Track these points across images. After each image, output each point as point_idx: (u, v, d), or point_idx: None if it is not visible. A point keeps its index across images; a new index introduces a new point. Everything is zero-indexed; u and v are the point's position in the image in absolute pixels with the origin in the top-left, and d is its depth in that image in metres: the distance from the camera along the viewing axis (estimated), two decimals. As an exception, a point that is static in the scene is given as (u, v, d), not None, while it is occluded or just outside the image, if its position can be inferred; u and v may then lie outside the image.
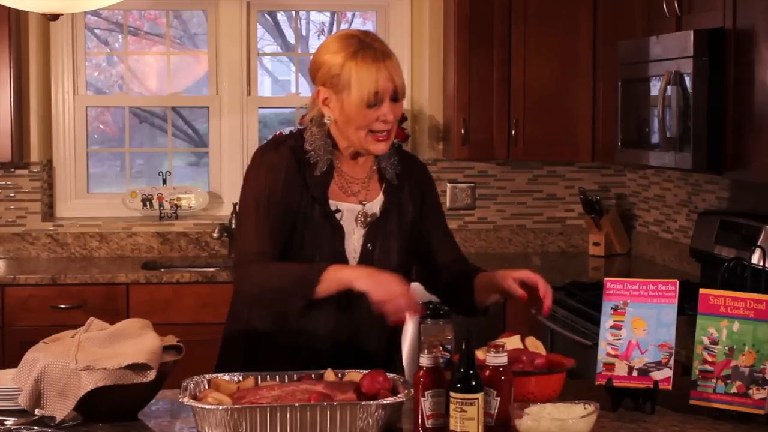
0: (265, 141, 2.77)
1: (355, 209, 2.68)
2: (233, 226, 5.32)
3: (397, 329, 2.81)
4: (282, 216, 2.61)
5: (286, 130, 2.80)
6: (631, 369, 2.44)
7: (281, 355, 2.65)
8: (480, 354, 2.31)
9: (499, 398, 2.19)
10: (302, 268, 2.55)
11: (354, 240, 2.67)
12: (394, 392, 2.31)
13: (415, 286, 2.71)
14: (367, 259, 2.66)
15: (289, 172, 2.63)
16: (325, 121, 2.65)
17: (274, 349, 2.67)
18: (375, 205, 2.70)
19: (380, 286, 2.46)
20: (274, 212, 2.60)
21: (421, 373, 2.22)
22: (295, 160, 2.64)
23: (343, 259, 2.64)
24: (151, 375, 2.35)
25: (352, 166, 2.69)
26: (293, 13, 5.77)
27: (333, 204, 2.65)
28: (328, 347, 2.65)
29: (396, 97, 2.59)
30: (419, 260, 2.81)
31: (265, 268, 2.57)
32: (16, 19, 5.12)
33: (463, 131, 5.15)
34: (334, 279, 2.50)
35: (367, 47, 2.57)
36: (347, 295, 2.53)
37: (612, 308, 2.48)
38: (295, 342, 2.65)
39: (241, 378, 2.42)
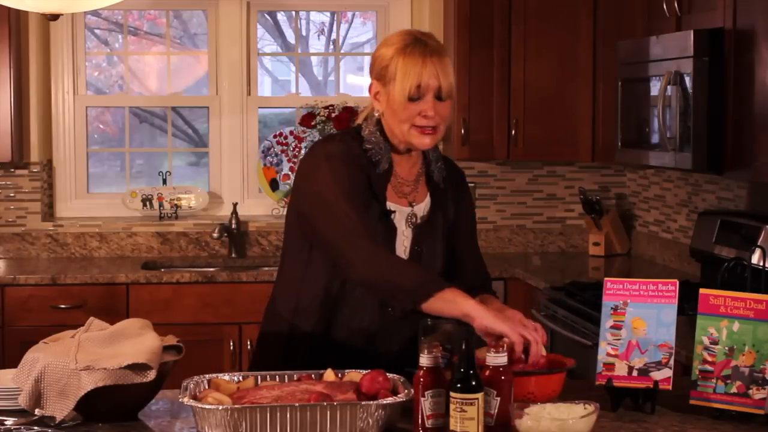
0: (319, 138, 2.75)
1: (405, 211, 2.69)
2: (234, 226, 5.32)
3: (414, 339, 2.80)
4: (365, 205, 2.58)
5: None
6: (631, 369, 2.44)
7: (319, 355, 2.63)
8: (480, 354, 2.31)
9: (499, 398, 2.19)
10: (425, 275, 2.51)
11: (404, 241, 2.68)
12: (394, 392, 2.31)
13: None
14: (415, 260, 2.67)
15: (361, 164, 2.61)
16: (375, 113, 2.65)
17: (312, 350, 2.66)
18: (422, 208, 2.72)
19: (514, 332, 2.36)
20: (357, 196, 2.56)
21: (421, 373, 2.22)
22: (363, 154, 2.63)
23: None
24: (151, 375, 2.35)
25: (405, 167, 2.70)
26: (293, 13, 5.77)
27: (388, 205, 2.66)
28: (365, 348, 2.65)
29: (440, 95, 2.60)
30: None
31: (387, 256, 2.53)
32: (16, 19, 5.12)
33: (463, 131, 5.15)
34: (452, 300, 2.44)
35: (418, 42, 2.59)
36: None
37: (612, 308, 2.48)
38: (335, 343, 2.65)
39: (241, 378, 2.42)
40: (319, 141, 2.73)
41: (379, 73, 2.62)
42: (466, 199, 2.84)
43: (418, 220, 2.70)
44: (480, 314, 2.40)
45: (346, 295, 2.65)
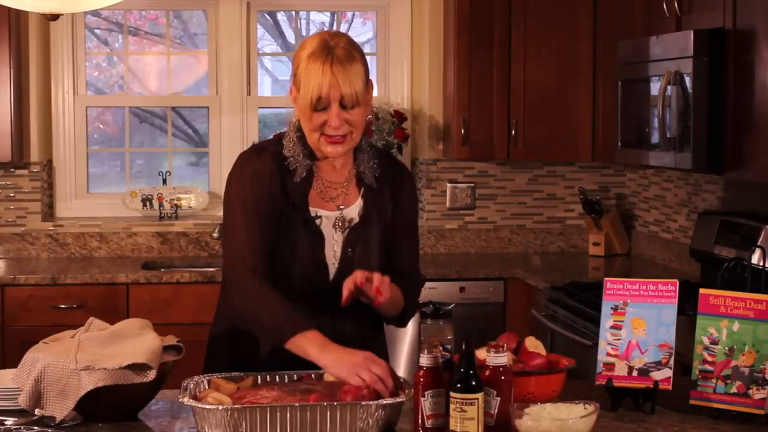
0: (246, 149, 2.75)
1: (332, 215, 2.66)
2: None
3: (379, 339, 2.78)
4: (268, 224, 2.60)
5: (270, 137, 2.79)
6: (631, 369, 2.44)
7: (267, 355, 2.62)
8: (480, 354, 2.31)
9: (499, 398, 2.19)
10: (282, 317, 2.49)
11: (334, 245, 2.66)
12: (394, 392, 2.31)
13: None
14: (347, 263, 2.64)
15: (272, 179, 2.61)
16: (293, 118, 2.65)
17: (257, 350, 2.65)
18: (353, 210, 2.68)
19: (348, 371, 2.35)
20: (261, 220, 2.59)
21: (421, 373, 2.22)
22: (276, 167, 2.63)
23: (323, 265, 2.63)
24: (151, 375, 2.35)
25: (330, 171, 2.67)
26: (293, 13, 5.77)
27: (312, 210, 2.64)
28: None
29: (344, 104, 2.54)
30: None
31: (259, 293, 2.53)
32: (16, 19, 5.12)
33: (463, 131, 5.15)
34: (300, 347, 2.43)
35: (324, 49, 2.54)
36: (326, 298, 2.55)
37: (612, 308, 2.48)
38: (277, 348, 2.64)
39: (241, 378, 2.42)
40: (240, 156, 2.70)
41: (294, 79, 2.61)
42: (404, 196, 2.77)
43: (348, 224, 2.66)
44: (323, 363, 2.39)
45: (287, 295, 2.61)
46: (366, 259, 2.66)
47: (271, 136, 2.79)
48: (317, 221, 2.64)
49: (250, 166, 2.64)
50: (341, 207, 2.67)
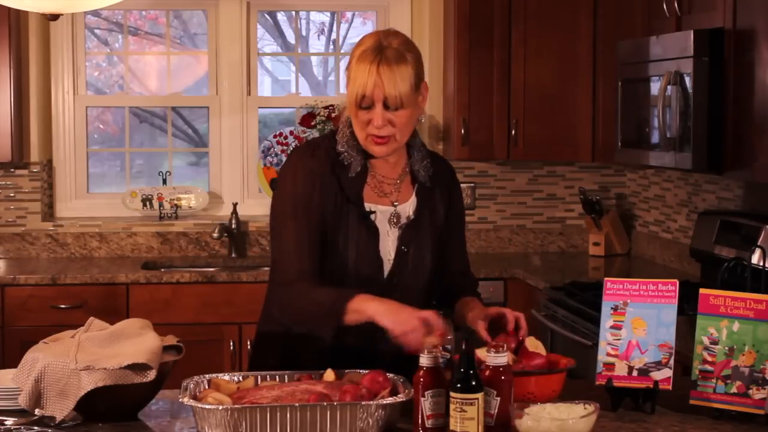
0: (298, 145, 2.76)
1: (387, 211, 2.68)
2: (234, 226, 5.32)
3: None
4: (319, 223, 2.60)
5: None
6: (631, 369, 2.44)
7: (317, 354, 2.63)
8: (480, 354, 2.31)
9: (499, 398, 2.19)
10: (332, 297, 2.53)
11: (389, 242, 2.67)
12: (394, 392, 2.31)
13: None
14: (402, 260, 2.66)
15: (325, 176, 2.62)
16: (345, 113, 2.66)
17: (309, 349, 2.66)
18: (408, 207, 2.70)
19: (399, 324, 2.43)
20: (312, 220, 2.59)
21: (421, 373, 2.22)
22: (330, 163, 2.63)
23: (378, 261, 2.64)
24: (151, 375, 2.35)
25: (384, 166, 2.69)
26: (293, 13, 5.77)
27: (367, 205, 2.65)
28: (355, 347, 2.64)
29: (387, 105, 2.56)
30: None
31: (303, 293, 2.57)
32: (16, 19, 5.12)
33: (463, 131, 5.15)
34: (358, 311, 2.49)
35: (375, 49, 2.56)
36: (381, 294, 2.55)
37: (612, 308, 2.48)
38: (331, 343, 2.63)
39: (241, 378, 2.42)
40: (296, 149, 2.72)
41: (346, 74, 2.64)
42: (456, 199, 2.82)
43: (403, 220, 2.68)
44: (376, 312, 2.46)
45: None
46: (420, 257, 2.68)
47: (328, 131, 2.79)
48: (372, 216, 2.65)
49: (303, 164, 2.64)
50: (395, 203, 2.69)
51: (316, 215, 2.60)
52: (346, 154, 2.64)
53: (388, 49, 2.56)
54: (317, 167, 2.62)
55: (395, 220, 2.68)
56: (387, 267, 2.66)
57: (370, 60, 2.55)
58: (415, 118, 2.67)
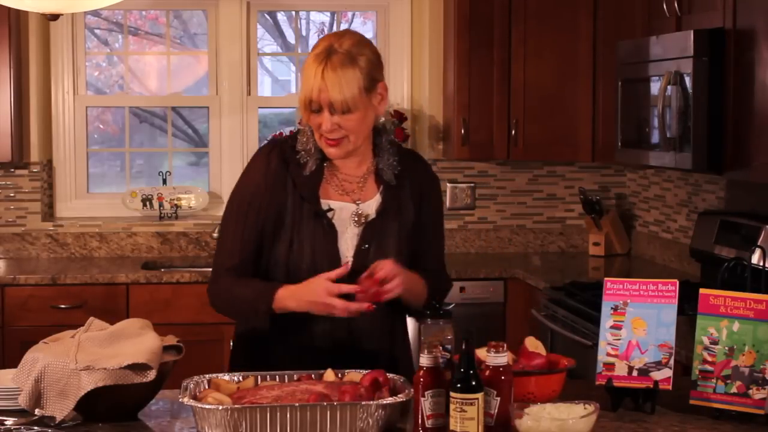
0: (265, 141, 2.79)
1: (349, 208, 2.68)
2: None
3: (398, 331, 2.79)
4: (264, 221, 2.65)
5: (286, 131, 2.82)
6: (631, 369, 2.44)
7: (285, 355, 2.65)
8: (480, 354, 2.31)
9: (499, 398, 2.19)
10: (255, 292, 2.62)
11: (348, 239, 2.67)
12: (394, 392, 2.31)
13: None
14: (362, 258, 2.65)
15: (275, 174, 2.65)
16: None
17: (277, 350, 2.68)
18: (371, 206, 2.70)
19: (314, 305, 2.56)
20: (252, 218, 2.66)
21: (421, 373, 2.22)
22: (283, 162, 2.66)
23: (335, 258, 2.64)
24: (151, 375, 2.35)
25: (348, 165, 2.69)
26: (293, 13, 5.77)
27: (325, 203, 2.66)
28: (328, 346, 2.65)
29: (333, 109, 2.56)
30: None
31: (229, 287, 2.66)
32: (16, 19, 5.12)
33: (463, 131, 5.15)
34: (283, 297, 2.60)
35: (323, 53, 2.56)
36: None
37: (612, 308, 2.48)
38: (297, 342, 2.66)
39: (241, 378, 2.42)
40: (258, 149, 2.78)
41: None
42: (430, 197, 2.79)
43: (366, 218, 2.68)
44: (285, 300, 2.59)
45: None
46: (382, 255, 2.66)
47: (288, 131, 2.82)
48: (329, 214, 2.65)
49: (255, 163, 2.71)
50: (358, 201, 2.69)
51: (260, 213, 2.65)
52: (303, 152, 2.66)
53: (336, 53, 2.56)
54: (268, 166, 2.66)
55: (356, 219, 2.68)
56: (346, 264, 2.65)
57: (317, 63, 2.55)
58: (370, 120, 2.64)
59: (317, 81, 2.54)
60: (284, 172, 2.65)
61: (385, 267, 2.56)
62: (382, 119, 2.73)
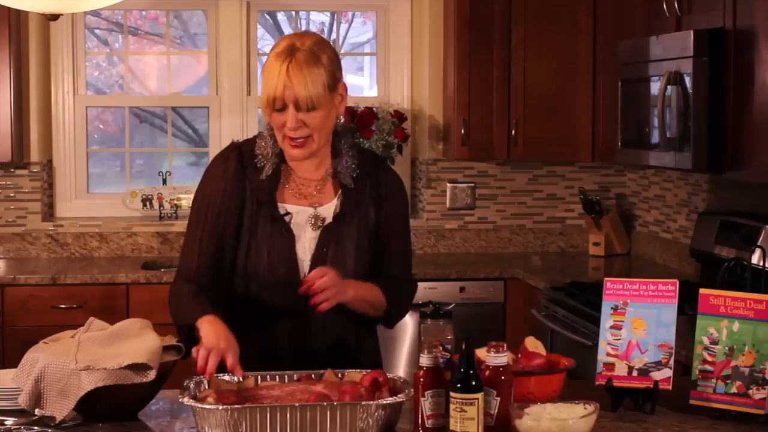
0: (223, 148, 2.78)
1: (306, 212, 2.67)
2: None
3: (346, 335, 2.73)
4: (222, 225, 2.66)
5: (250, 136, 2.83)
6: (631, 369, 2.44)
7: (248, 357, 2.60)
8: (480, 354, 2.31)
9: (499, 398, 2.19)
10: (185, 313, 2.64)
11: (306, 243, 2.66)
12: (394, 392, 2.31)
13: None
14: (320, 262, 2.63)
15: (232, 179, 2.66)
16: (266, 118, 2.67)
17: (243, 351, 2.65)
18: (329, 209, 2.68)
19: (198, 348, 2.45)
20: (210, 223, 2.66)
21: (421, 373, 2.22)
22: (240, 166, 2.66)
23: (293, 262, 2.64)
24: (151, 375, 2.35)
25: (305, 168, 2.68)
26: (293, 13, 5.77)
27: (282, 207, 2.65)
28: (286, 348, 2.65)
29: (298, 106, 2.54)
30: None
31: (179, 294, 2.72)
32: (16, 19, 5.12)
33: (463, 131, 5.15)
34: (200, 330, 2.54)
35: (286, 50, 2.56)
36: (304, 298, 2.55)
37: (612, 308, 2.48)
38: (261, 344, 2.65)
39: (241, 378, 2.42)
40: (216, 154, 2.78)
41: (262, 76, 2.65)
42: (388, 198, 2.75)
43: (322, 222, 2.66)
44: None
45: (250, 296, 2.67)
46: (340, 259, 2.65)
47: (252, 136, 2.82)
48: (286, 218, 2.64)
49: (212, 168, 2.73)
50: (316, 205, 2.68)
51: (220, 217, 2.66)
52: (261, 157, 2.66)
53: (299, 51, 2.55)
54: (226, 171, 2.67)
55: (313, 222, 2.67)
56: (305, 267, 2.64)
57: (281, 61, 2.54)
58: (333, 119, 2.64)
59: (282, 78, 2.53)
60: (242, 176, 2.65)
61: (313, 277, 2.54)
62: (342, 120, 2.71)
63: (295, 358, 2.58)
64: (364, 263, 2.69)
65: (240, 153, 2.69)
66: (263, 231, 2.64)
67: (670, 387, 2.42)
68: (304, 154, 2.61)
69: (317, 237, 2.65)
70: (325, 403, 2.19)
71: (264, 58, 6.05)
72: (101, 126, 5.95)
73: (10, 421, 2.37)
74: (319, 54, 2.56)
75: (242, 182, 2.65)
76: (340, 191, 2.69)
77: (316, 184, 2.68)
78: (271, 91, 2.54)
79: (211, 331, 2.47)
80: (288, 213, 2.65)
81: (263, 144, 2.67)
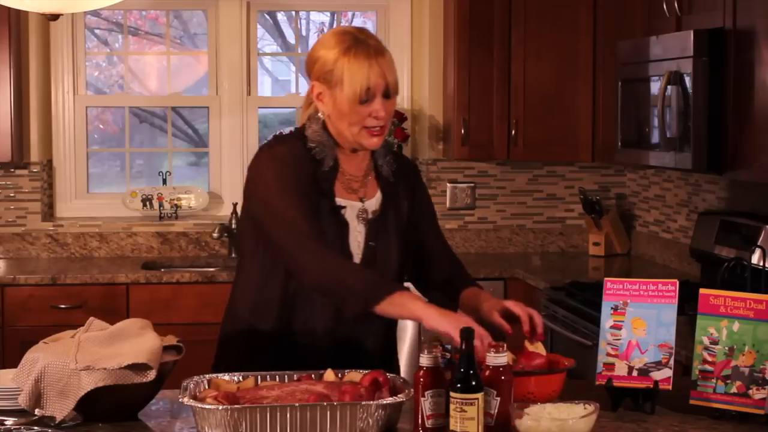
0: (266, 140, 2.77)
1: (356, 206, 2.69)
2: (234, 226, 5.32)
3: (393, 329, 2.81)
4: (311, 204, 2.59)
5: (286, 130, 2.80)
6: (631, 369, 2.44)
7: (281, 355, 2.65)
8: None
9: (499, 398, 2.19)
10: (375, 277, 2.53)
11: (357, 237, 2.68)
12: (394, 392, 2.31)
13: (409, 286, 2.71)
14: (369, 255, 2.67)
15: (303, 163, 2.63)
16: (319, 115, 2.66)
17: (274, 350, 2.68)
18: (374, 203, 2.71)
19: (454, 327, 2.34)
20: (304, 201, 2.57)
21: (421, 373, 2.22)
22: (306, 153, 2.65)
23: (348, 255, 2.65)
24: (151, 375, 2.35)
25: (351, 163, 2.70)
26: (293, 13, 5.77)
27: (337, 200, 2.67)
28: (327, 346, 2.66)
29: (388, 93, 2.59)
30: (412, 259, 2.82)
31: (337, 259, 2.55)
32: (16, 19, 5.12)
33: (463, 131, 5.15)
34: (401, 305, 2.45)
35: (360, 43, 2.58)
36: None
37: (612, 308, 2.48)
38: (296, 342, 2.66)
39: (241, 378, 2.42)
40: (264, 145, 2.72)
41: (323, 77, 2.61)
42: (422, 195, 2.84)
43: (370, 216, 2.70)
44: (427, 315, 2.41)
45: (304, 293, 2.65)
46: (387, 252, 2.70)
47: (288, 130, 2.79)
48: (342, 211, 2.66)
49: (280, 151, 2.64)
50: (363, 198, 2.70)
51: (306, 195, 2.59)
52: (317, 149, 2.65)
53: (370, 40, 2.60)
54: (293, 153, 2.63)
55: (363, 216, 2.69)
56: (356, 261, 2.66)
57: (364, 54, 2.57)
58: None
59: (374, 69, 2.56)
60: (309, 164, 2.64)
61: (523, 316, 2.60)
62: None
63: (335, 356, 2.59)
64: (403, 255, 2.74)
65: (298, 141, 2.66)
66: (324, 222, 2.62)
67: (670, 387, 2.42)
68: (380, 143, 2.65)
69: (364, 231, 2.68)
70: (325, 403, 2.19)
71: (264, 59, 6.08)
72: (101, 126, 5.95)
73: (10, 421, 2.37)
74: (381, 43, 2.64)
75: (310, 171, 2.63)
76: (381, 185, 2.73)
77: (361, 179, 2.71)
78: (365, 82, 2.55)
79: (436, 312, 2.40)
80: (343, 206, 2.66)
81: (316, 137, 2.65)
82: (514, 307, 2.63)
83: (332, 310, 2.64)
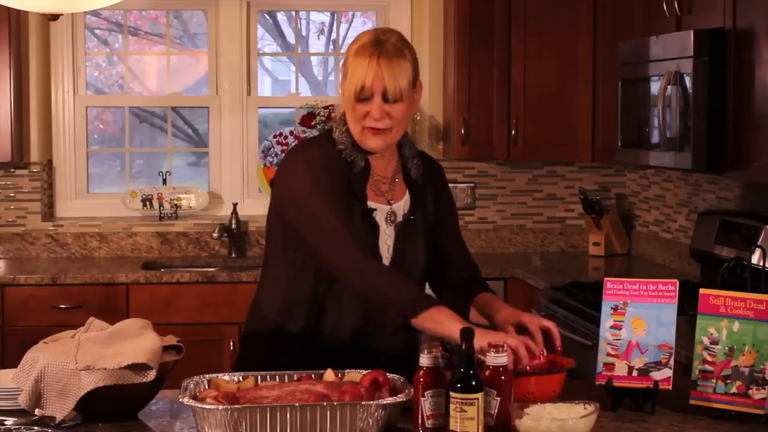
0: (296, 143, 2.76)
1: (384, 209, 2.69)
2: (233, 226, 5.32)
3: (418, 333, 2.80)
4: (347, 206, 2.59)
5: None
6: (631, 369, 2.44)
7: (306, 356, 2.64)
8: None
9: (499, 398, 2.19)
10: (415, 290, 2.51)
11: (386, 240, 2.68)
12: (394, 392, 2.31)
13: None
14: (398, 258, 2.67)
15: (337, 166, 2.62)
16: (338, 111, 2.67)
17: (299, 351, 2.67)
18: (402, 206, 2.72)
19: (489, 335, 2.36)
20: (341, 202, 2.57)
21: (421, 373, 2.22)
22: (337, 155, 2.64)
23: (378, 258, 2.65)
24: (151, 375, 2.35)
25: (379, 165, 2.70)
26: (293, 13, 5.77)
27: (368, 203, 2.67)
28: (353, 349, 2.66)
29: (386, 97, 2.57)
30: (432, 261, 2.82)
31: (378, 268, 2.55)
32: (16, 19, 5.12)
33: (463, 131, 5.15)
34: (439, 322, 2.42)
35: (373, 43, 2.59)
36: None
37: (612, 308, 2.48)
38: (322, 343, 2.66)
39: (241, 378, 2.42)
40: (297, 146, 2.72)
41: (342, 71, 2.66)
42: (446, 196, 2.84)
43: (398, 218, 2.70)
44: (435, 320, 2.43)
45: (333, 295, 2.65)
46: (415, 255, 2.71)
47: (319, 131, 2.79)
48: (373, 214, 2.66)
49: (315, 154, 2.63)
50: (391, 201, 2.70)
51: (341, 197, 2.58)
52: (347, 150, 2.64)
53: (387, 43, 2.60)
54: (328, 156, 2.62)
55: (392, 219, 2.69)
56: (386, 263, 2.67)
57: (369, 53, 2.58)
58: (410, 115, 2.67)
59: (372, 68, 2.56)
60: (342, 167, 2.63)
61: (536, 334, 2.56)
62: (418, 117, 2.75)
63: (359, 357, 2.59)
64: (428, 256, 2.75)
65: (329, 144, 2.65)
66: (356, 225, 2.61)
67: (670, 387, 2.42)
68: (382, 145, 2.63)
69: (393, 233, 2.69)
70: (325, 403, 2.19)
71: (264, 59, 6.08)
72: (101, 126, 5.95)
73: (10, 421, 2.37)
74: (404, 49, 2.63)
75: (343, 173, 2.63)
76: (409, 187, 2.73)
77: (389, 181, 2.71)
78: (360, 81, 2.56)
79: (481, 332, 2.35)
80: (374, 209, 2.66)
81: (343, 138, 2.65)
82: (529, 323, 2.58)
83: (361, 313, 2.65)
